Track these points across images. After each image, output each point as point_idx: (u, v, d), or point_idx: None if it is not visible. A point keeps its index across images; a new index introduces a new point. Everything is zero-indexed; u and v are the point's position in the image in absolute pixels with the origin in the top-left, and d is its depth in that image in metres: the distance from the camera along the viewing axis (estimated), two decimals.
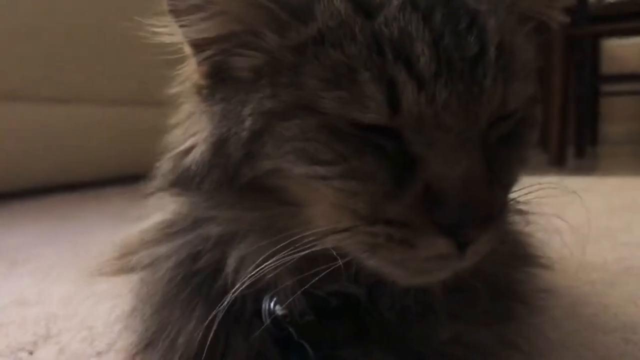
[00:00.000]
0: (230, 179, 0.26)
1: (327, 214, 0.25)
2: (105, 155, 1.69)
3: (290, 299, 0.28)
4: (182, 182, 0.28)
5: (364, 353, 0.28)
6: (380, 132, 0.24)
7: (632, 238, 0.79)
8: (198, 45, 0.27)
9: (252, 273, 0.26)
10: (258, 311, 0.29)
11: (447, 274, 0.26)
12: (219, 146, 0.26)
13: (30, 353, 0.44)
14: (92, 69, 1.68)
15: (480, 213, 0.23)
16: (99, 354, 0.43)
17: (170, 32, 0.28)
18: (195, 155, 0.27)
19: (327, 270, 0.26)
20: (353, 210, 0.24)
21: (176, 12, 0.26)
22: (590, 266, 0.64)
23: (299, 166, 0.25)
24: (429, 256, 0.24)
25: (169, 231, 0.31)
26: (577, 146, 2.45)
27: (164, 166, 0.29)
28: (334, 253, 0.25)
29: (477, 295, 0.29)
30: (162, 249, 0.31)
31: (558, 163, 2.01)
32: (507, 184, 0.27)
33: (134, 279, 0.32)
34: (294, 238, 0.26)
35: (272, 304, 0.29)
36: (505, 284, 0.32)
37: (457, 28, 0.24)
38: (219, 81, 0.27)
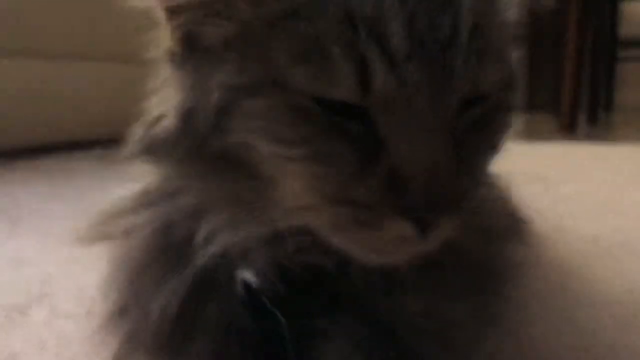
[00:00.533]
0: (200, 148, 0.26)
1: (295, 191, 0.25)
2: (113, 114, 1.69)
3: (263, 271, 0.28)
4: (153, 151, 0.28)
5: (335, 323, 0.28)
6: (348, 112, 0.24)
7: (633, 210, 0.78)
8: (171, 11, 0.27)
9: (221, 244, 0.26)
10: (232, 281, 0.29)
11: (409, 256, 0.26)
12: (187, 116, 0.26)
13: (22, 313, 0.45)
14: (95, 25, 1.67)
15: (443, 199, 0.23)
16: (88, 313, 0.44)
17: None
18: (164, 123, 0.27)
19: (298, 244, 0.26)
20: (319, 190, 0.24)
21: None
22: (584, 238, 0.64)
23: (265, 145, 0.24)
24: (391, 238, 0.24)
25: (144, 200, 0.31)
26: (590, 112, 2.41)
27: (136, 133, 0.29)
28: (304, 228, 0.26)
29: (449, 269, 0.29)
30: (138, 218, 0.31)
31: (569, 130, 1.98)
32: (476, 170, 0.27)
33: (111, 246, 0.32)
34: (263, 213, 0.26)
35: (246, 274, 0.29)
36: (481, 258, 0.32)
37: (432, 8, 0.24)
38: (191, 50, 0.27)
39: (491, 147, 0.28)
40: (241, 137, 0.25)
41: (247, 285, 0.29)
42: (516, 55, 0.31)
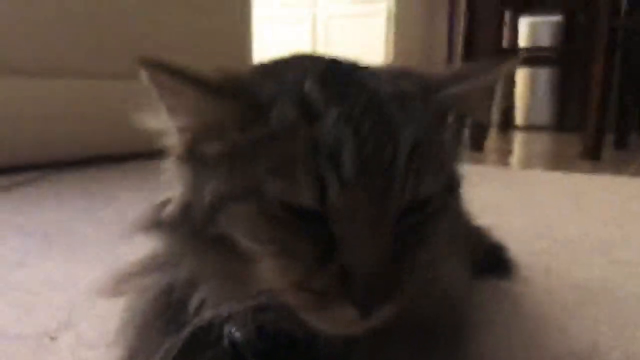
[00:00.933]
0: (196, 233, 0.32)
1: (269, 275, 0.30)
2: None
3: (246, 330, 0.34)
4: (158, 227, 0.34)
5: None
6: (310, 216, 0.29)
7: (629, 255, 0.81)
8: (179, 129, 0.33)
9: (210, 308, 0.32)
10: (221, 337, 0.35)
11: (359, 331, 0.31)
12: (186, 208, 0.32)
13: (52, 339, 0.52)
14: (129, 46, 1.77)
15: (380, 292, 0.29)
16: (107, 345, 0.50)
17: (157, 121, 0.33)
18: (169, 208, 0.33)
19: (274, 313, 0.32)
20: (286, 278, 0.30)
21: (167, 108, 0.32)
22: (572, 284, 0.67)
23: (245, 241, 0.30)
24: (340, 319, 0.30)
25: (153, 265, 0.37)
26: (618, 136, 2.39)
27: (146, 211, 0.35)
28: (278, 303, 0.31)
29: (399, 336, 0.34)
30: (147, 280, 0.37)
31: (592, 157, 1.98)
32: (414, 264, 0.32)
33: (125, 302, 0.38)
34: (247, 287, 0.31)
35: (232, 331, 0.34)
36: (429, 324, 0.37)
37: (377, 139, 0.29)
38: (193, 158, 0.33)
39: (430, 246, 0.33)
40: (227, 231, 0.31)
41: (233, 341, 0.34)
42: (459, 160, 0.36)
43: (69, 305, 0.60)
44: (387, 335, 0.33)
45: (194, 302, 0.33)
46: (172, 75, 0.30)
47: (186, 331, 0.33)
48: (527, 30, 3.95)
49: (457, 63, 2.71)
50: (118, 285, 0.39)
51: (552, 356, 0.49)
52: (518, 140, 3.15)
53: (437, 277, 0.36)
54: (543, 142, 3.00)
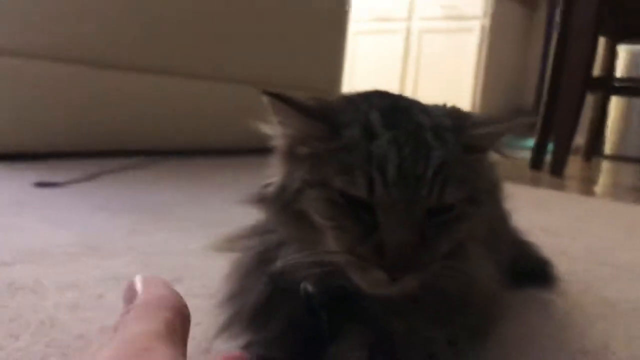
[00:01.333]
0: (285, 207, 0.46)
1: (330, 241, 0.44)
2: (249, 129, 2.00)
3: (316, 284, 0.47)
4: (262, 201, 0.48)
5: (352, 327, 0.46)
6: (360, 204, 0.42)
7: None
8: (284, 135, 0.47)
9: (292, 264, 0.46)
10: (297, 288, 0.48)
11: (390, 293, 0.42)
12: (282, 189, 0.46)
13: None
14: (241, 51, 1.99)
15: (405, 264, 0.41)
16: (210, 296, 0.65)
17: (270, 129, 0.47)
18: (270, 189, 0.47)
19: (335, 271, 0.45)
20: (340, 244, 0.43)
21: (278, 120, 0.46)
22: (604, 301, 0.75)
23: (315, 216, 0.44)
24: (374, 279, 0.41)
25: (254, 231, 0.52)
26: None
27: (254, 189, 0.49)
28: (337, 263, 0.44)
29: (427, 302, 0.46)
30: (250, 242, 0.51)
31: None
32: (435, 251, 0.43)
33: (233, 256, 0.53)
34: (317, 249, 0.45)
35: (306, 285, 0.47)
36: (455, 295, 0.48)
37: (415, 157, 0.41)
38: (290, 154, 0.47)
39: (450, 240, 0.44)
40: (305, 208, 0.44)
41: (306, 292, 0.48)
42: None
43: (179, 265, 0.76)
44: (416, 301, 0.45)
45: (281, 257, 0.47)
46: (284, 102, 0.45)
47: (273, 279, 0.47)
48: (626, 58, 3.85)
49: (545, 87, 2.70)
50: (228, 243, 0.54)
51: (564, 350, 0.58)
52: (604, 169, 3.09)
53: (462, 265, 0.47)
54: (630, 174, 2.94)
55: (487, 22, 4.31)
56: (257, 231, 0.52)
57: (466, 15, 4.39)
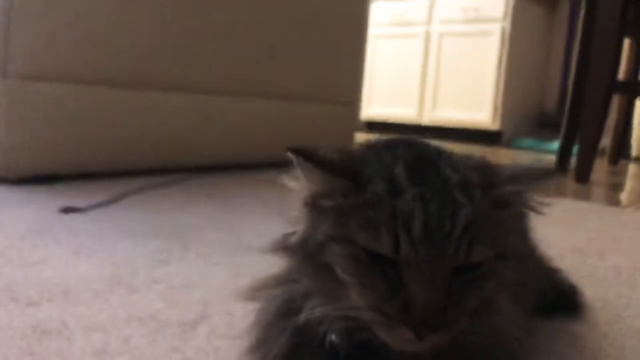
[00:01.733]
0: (309, 259, 0.45)
1: (355, 297, 0.43)
2: (272, 142, 2.02)
3: (342, 336, 0.46)
4: (286, 250, 0.48)
5: None
6: (385, 261, 0.41)
7: None
8: (309, 188, 0.47)
9: (317, 316, 0.46)
10: (323, 340, 0.47)
11: (417, 350, 0.42)
12: (305, 240, 0.46)
13: (193, 328, 0.68)
14: (263, 65, 2.01)
15: (432, 323, 0.40)
16: (234, 337, 0.65)
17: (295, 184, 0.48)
18: (293, 239, 0.47)
19: (361, 325, 0.44)
20: (365, 301, 0.42)
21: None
22: (637, 332, 0.73)
23: (339, 271, 0.43)
24: (400, 337, 0.41)
25: (279, 280, 0.52)
26: None
27: (279, 237, 0.49)
28: (362, 317, 0.44)
29: (455, 356, 0.45)
30: (274, 292, 0.51)
31: None
32: (461, 310, 0.42)
33: (258, 305, 0.53)
34: (342, 302, 0.44)
35: (332, 336, 0.47)
36: (482, 353, 0.47)
37: (442, 215, 0.41)
38: (314, 205, 0.47)
39: (477, 297, 0.43)
40: (330, 261, 0.44)
41: (332, 344, 0.47)
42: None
43: (204, 301, 0.76)
44: (443, 356, 0.45)
45: (306, 309, 0.47)
46: (308, 159, 0.45)
47: (298, 331, 0.47)
48: None
49: (569, 92, 2.66)
50: (254, 292, 0.54)
51: None
52: (630, 173, 3.03)
53: (489, 319, 0.47)
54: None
55: (507, 24, 4.26)
56: (281, 280, 0.52)
57: (486, 18, 4.35)
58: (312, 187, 0.46)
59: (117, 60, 1.69)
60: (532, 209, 0.48)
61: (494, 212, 0.44)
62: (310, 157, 0.45)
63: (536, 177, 0.46)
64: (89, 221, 1.17)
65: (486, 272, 0.43)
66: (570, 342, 0.70)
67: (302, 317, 0.47)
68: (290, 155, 0.45)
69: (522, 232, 0.68)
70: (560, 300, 0.78)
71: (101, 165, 1.73)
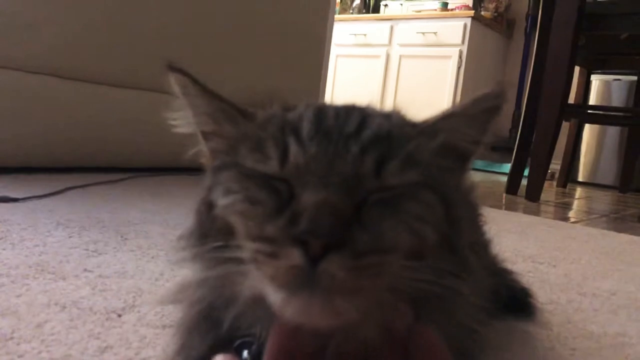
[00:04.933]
0: (203, 237, 0.38)
1: (239, 234, 0.35)
2: None
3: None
4: (183, 247, 0.40)
5: None
6: (277, 182, 0.34)
7: None
8: (193, 123, 0.42)
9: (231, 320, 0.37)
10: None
11: (322, 319, 0.30)
12: (198, 215, 0.40)
13: (119, 316, 0.61)
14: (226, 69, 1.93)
15: (322, 227, 0.30)
16: (164, 327, 0.59)
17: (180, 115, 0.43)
18: (186, 229, 0.41)
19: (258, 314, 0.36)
20: (246, 229, 0.34)
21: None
22: (586, 335, 0.71)
23: (222, 199, 0.36)
24: (286, 268, 0.30)
25: (199, 283, 0.41)
26: None
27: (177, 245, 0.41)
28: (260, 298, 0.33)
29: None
30: (196, 295, 0.41)
31: None
32: (378, 235, 0.32)
33: (180, 309, 0.45)
34: (238, 291, 0.35)
35: (244, 353, 0.37)
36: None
37: (343, 120, 0.36)
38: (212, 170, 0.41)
39: (396, 225, 0.33)
40: (217, 213, 0.36)
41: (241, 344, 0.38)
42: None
43: (135, 291, 0.70)
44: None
45: (227, 319, 0.38)
46: (196, 83, 0.41)
47: (216, 334, 0.39)
48: (599, 87, 3.91)
49: (522, 114, 2.72)
50: (176, 295, 0.46)
51: None
52: (577, 196, 3.10)
53: (450, 306, 0.38)
54: (603, 200, 2.95)
55: (464, 48, 4.35)
56: (202, 283, 0.42)
57: (445, 43, 4.44)
58: (198, 118, 0.42)
59: (59, 51, 1.60)
60: (467, 146, 0.41)
61: (421, 139, 0.38)
62: (197, 81, 0.41)
63: (479, 110, 0.40)
64: (24, 211, 1.09)
65: (406, 193, 0.34)
66: (523, 341, 0.67)
67: (224, 327, 0.38)
68: (175, 78, 0.41)
69: (472, 221, 0.64)
70: (513, 300, 0.75)
71: (45, 160, 1.62)
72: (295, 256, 0.29)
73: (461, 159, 0.42)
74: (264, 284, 0.32)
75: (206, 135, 0.43)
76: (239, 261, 0.33)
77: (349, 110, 0.39)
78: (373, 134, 0.35)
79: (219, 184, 0.38)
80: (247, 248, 0.33)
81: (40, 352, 0.50)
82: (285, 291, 0.30)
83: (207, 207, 0.39)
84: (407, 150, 0.36)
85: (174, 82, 0.41)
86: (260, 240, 0.32)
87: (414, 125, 0.40)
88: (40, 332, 0.55)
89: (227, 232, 0.36)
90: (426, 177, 0.36)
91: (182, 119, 0.43)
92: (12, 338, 0.52)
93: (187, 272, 0.40)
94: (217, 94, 0.41)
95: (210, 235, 0.37)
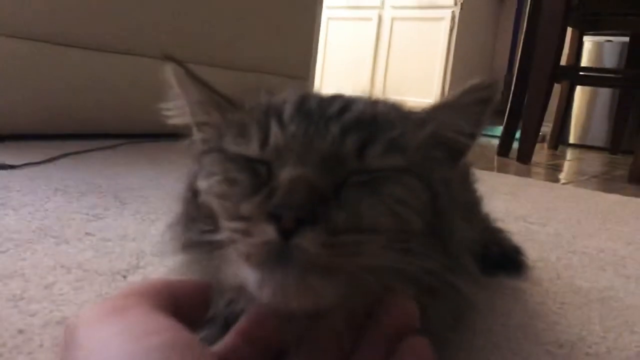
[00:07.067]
0: (189, 225, 0.38)
1: (219, 217, 0.34)
2: None
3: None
4: (171, 238, 0.42)
5: None
6: (257, 164, 0.35)
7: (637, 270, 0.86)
8: (185, 113, 0.44)
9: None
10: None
11: (295, 289, 0.29)
12: (185, 203, 0.41)
13: (124, 277, 0.63)
14: (214, 35, 1.92)
15: (300, 200, 0.30)
16: None
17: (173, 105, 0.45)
18: (172, 218, 0.43)
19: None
20: (224, 210, 0.34)
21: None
22: (575, 289, 0.74)
23: (202, 181, 0.37)
24: (260, 243, 0.29)
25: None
26: None
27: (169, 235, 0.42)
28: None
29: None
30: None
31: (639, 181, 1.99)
32: (355, 215, 0.31)
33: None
34: (223, 280, 0.34)
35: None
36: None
37: (326, 104, 0.37)
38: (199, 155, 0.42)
39: (374, 206, 0.33)
40: (201, 186, 0.37)
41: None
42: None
43: (138, 253, 0.71)
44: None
45: (221, 308, 0.37)
46: (189, 74, 0.42)
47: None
48: (591, 49, 3.90)
49: (514, 76, 2.72)
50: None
51: (538, 342, 0.56)
52: (568, 157, 3.14)
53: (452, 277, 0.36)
54: (594, 162, 2.98)
55: (457, 10, 4.31)
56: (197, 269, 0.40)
57: (438, 4, 4.39)
58: (190, 107, 0.43)
59: (50, 16, 1.58)
60: (459, 138, 0.41)
61: (408, 126, 0.38)
62: (190, 72, 0.42)
63: (470, 101, 0.41)
64: (22, 178, 1.09)
65: (389, 177, 0.34)
66: (514, 297, 0.70)
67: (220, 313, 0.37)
68: (171, 68, 0.42)
69: (464, 179, 0.66)
70: (504, 258, 0.78)
71: (38, 127, 1.61)
72: (268, 231, 0.29)
73: (454, 153, 0.42)
74: (240, 266, 0.31)
75: (199, 127, 0.44)
76: (220, 245, 0.33)
77: (335, 97, 0.40)
78: (354, 117, 0.36)
79: (202, 168, 0.39)
80: (225, 228, 0.32)
81: (52, 311, 0.52)
82: (260, 271, 0.30)
83: (193, 194, 0.39)
84: (391, 135, 0.36)
85: (169, 71, 0.42)
86: (237, 219, 0.32)
87: (402, 113, 0.41)
88: (50, 292, 0.56)
89: (211, 217, 0.36)
90: (411, 164, 0.36)
91: (177, 109, 0.44)
92: (22, 298, 0.54)
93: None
94: (209, 84, 0.43)
95: (198, 221, 0.37)
